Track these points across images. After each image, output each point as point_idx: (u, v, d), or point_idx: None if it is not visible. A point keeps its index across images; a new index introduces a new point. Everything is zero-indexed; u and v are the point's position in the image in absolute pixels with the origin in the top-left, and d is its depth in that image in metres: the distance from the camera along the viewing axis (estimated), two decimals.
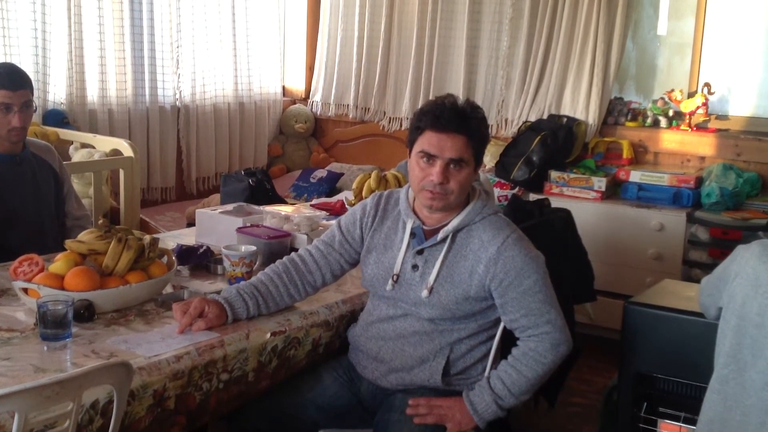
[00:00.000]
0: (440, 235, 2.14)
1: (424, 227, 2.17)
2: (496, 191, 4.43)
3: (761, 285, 1.88)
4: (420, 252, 2.16)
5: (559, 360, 2.12)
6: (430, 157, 2.07)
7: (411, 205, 2.20)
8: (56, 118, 4.34)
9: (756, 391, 1.87)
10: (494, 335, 2.19)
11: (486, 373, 2.17)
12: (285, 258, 2.30)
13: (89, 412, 1.65)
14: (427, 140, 2.07)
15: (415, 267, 2.15)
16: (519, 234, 2.14)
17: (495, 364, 2.19)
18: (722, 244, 3.88)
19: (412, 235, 2.18)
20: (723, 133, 4.40)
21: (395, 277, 2.16)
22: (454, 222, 2.13)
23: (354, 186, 3.37)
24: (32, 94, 2.70)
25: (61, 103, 4.47)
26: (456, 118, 2.06)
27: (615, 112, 4.68)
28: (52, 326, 1.88)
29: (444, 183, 2.06)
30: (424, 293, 2.11)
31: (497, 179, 4.52)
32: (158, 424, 1.83)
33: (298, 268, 2.26)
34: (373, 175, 3.32)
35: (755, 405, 1.87)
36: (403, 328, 2.16)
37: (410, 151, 2.14)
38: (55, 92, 4.46)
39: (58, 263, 2.11)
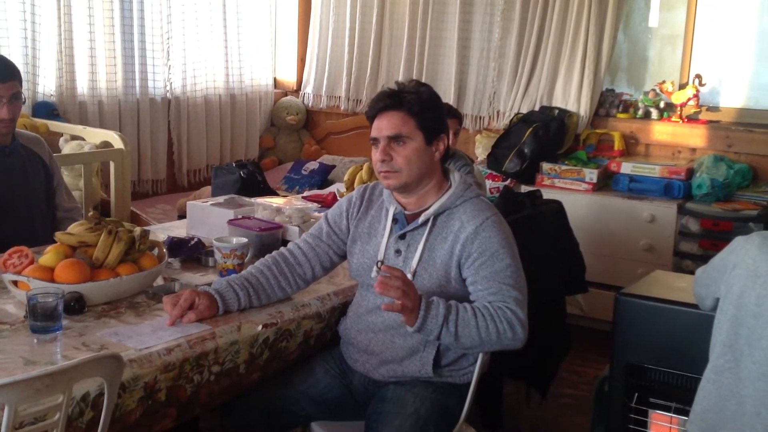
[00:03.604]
0: (421, 219, 2.15)
1: (406, 212, 2.19)
2: (488, 183, 4.43)
3: (760, 275, 1.88)
4: (402, 237, 2.17)
5: (501, 343, 2.01)
6: (375, 142, 2.14)
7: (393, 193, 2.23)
8: (46, 110, 4.32)
9: (751, 381, 1.88)
10: None
11: (478, 364, 2.17)
12: (274, 252, 2.30)
13: (80, 405, 1.64)
14: (373, 127, 2.16)
15: (398, 252, 2.16)
16: (499, 218, 2.15)
17: (486, 355, 2.19)
18: (713, 236, 3.90)
19: (395, 220, 2.19)
20: (714, 124, 4.41)
21: (379, 264, 2.16)
22: (435, 205, 2.15)
23: (346, 178, 3.37)
24: (21, 86, 2.68)
25: (51, 94, 4.45)
26: (388, 97, 2.14)
27: (606, 103, 4.68)
28: (42, 319, 1.87)
29: (387, 160, 2.11)
30: (408, 277, 2.11)
31: (489, 171, 4.52)
32: (149, 417, 1.82)
33: (287, 261, 2.26)
34: (365, 166, 3.32)
35: (751, 395, 1.88)
36: (391, 319, 2.16)
37: None
38: (45, 84, 4.43)
39: (48, 255, 2.10)
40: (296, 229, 2.66)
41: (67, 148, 3.99)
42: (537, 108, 4.70)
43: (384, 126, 2.12)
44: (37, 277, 2.03)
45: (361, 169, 3.33)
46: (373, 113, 2.16)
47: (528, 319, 2.06)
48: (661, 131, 4.50)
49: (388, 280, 1.92)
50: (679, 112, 4.45)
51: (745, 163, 4.20)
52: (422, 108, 2.13)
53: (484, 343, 2.02)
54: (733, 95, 4.54)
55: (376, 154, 2.15)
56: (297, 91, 5.92)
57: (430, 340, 2.05)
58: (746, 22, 4.51)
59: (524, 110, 4.76)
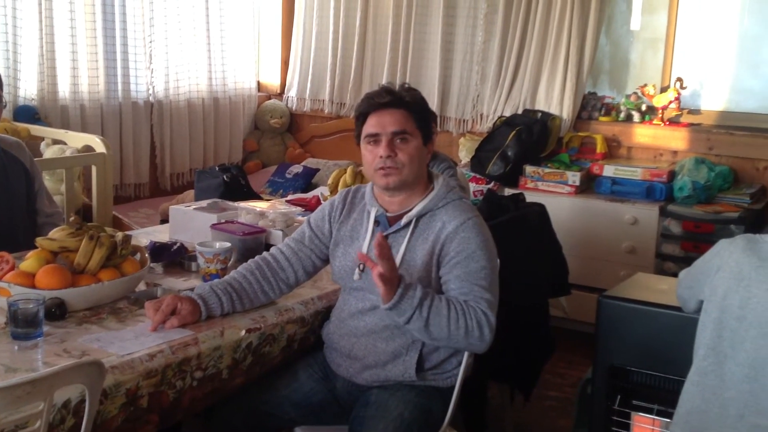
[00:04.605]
0: (404, 221, 2.15)
1: (388, 214, 2.19)
2: (472, 186, 4.45)
3: (744, 278, 1.90)
4: (384, 238, 2.16)
5: (468, 341, 2.02)
6: (375, 138, 2.13)
7: (375, 195, 2.23)
8: (27, 114, 4.28)
9: (735, 384, 1.89)
10: None
11: (462, 367, 2.17)
12: (257, 257, 2.29)
13: (61, 412, 1.63)
14: (369, 124, 2.15)
15: None
16: (480, 220, 2.16)
17: (470, 357, 2.20)
18: (694, 238, 3.92)
19: (377, 223, 2.19)
20: (695, 127, 4.44)
21: (361, 266, 2.16)
22: (418, 207, 2.15)
23: (330, 181, 3.37)
24: (2, 90, 2.66)
25: (32, 98, 4.42)
26: (389, 95, 2.15)
27: (589, 106, 4.71)
28: (23, 325, 1.86)
29: (392, 156, 2.11)
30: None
31: (473, 174, 4.53)
32: (131, 423, 1.81)
33: (270, 266, 2.25)
34: (349, 170, 3.32)
35: (734, 398, 1.89)
36: (373, 323, 2.16)
37: (360, 146, 2.19)
38: (26, 88, 4.40)
39: (29, 261, 2.09)
40: (280, 233, 2.65)
41: (49, 152, 3.96)
42: (520, 111, 4.72)
43: (387, 122, 2.12)
44: (18, 283, 2.01)
45: (345, 172, 3.33)
46: (371, 109, 2.15)
47: (509, 322, 2.07)
48: (642, 134, 4.53)
49: (384, 248, 1.92)
50: (660, 115, 4.48)
51: (726, 166, 4.23)
52: (419, 108, 2.17)
53: (451, 336, 2.02)
54: (714, 98, 4.58)
55: (374, 151, 2.13)
56: (281, 94, 5.91)
57: (400, 322, 2.03)
58: (727, 26, 4.54)
59: (507, 113, 4.77)
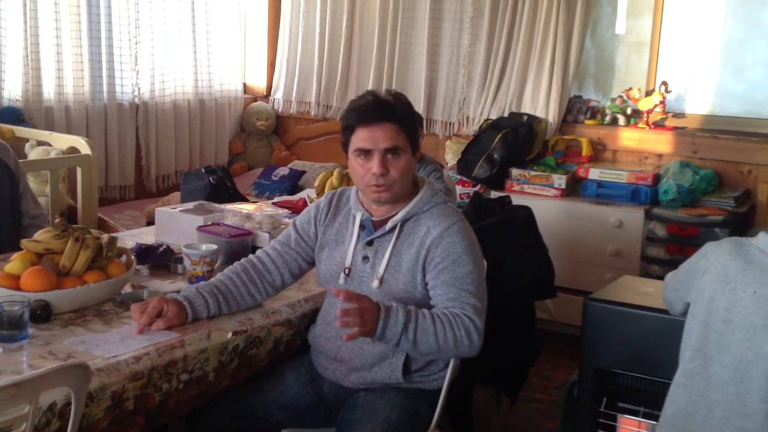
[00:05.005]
0: (389, 225, 2.15)
1: (373, 219, 2.19)
2: (458, 189, 4.45)
3: (730, 281, 1.91)
4: (370, 243, 2.17)
5: (458, 350, 2.03)
6: (366, 153, 2.11)
7: (360, 199, 2.22)
8: (11, 115, 4.26)
9: (721, 386, 1.90)
10: None
11: (449, 369, 2.18)
12: (243, 259, 2.29)
13: (46, 415, 1.62)
14: (360, 137, 2.11)
15: (365, 258, 2.16)
16: (466, 224, 2.16)
17: (457, 360, 2.20)
18: (679, 241, 3.95)
19: (362, 227, 2.19)
20: (680, 131, 4.47)
21: (347, 270, 2.17)
22: (402, 212, 2.15)
23: (316, 184, 3.36)
24: None
25: (17, 99, 4.39)
26: (381, 109, 2.11)
27: (574, 110, 4.72)
28: (7, 327, 1.85)
29: (385, 173, 2.10)
30: (375, 284, 2.12)
31: (459, 177, 4.54)
32: (117, 426, 1.80)
33: (256, 268, 2.25)
34: (336, 172, 3.31)
35: (720, 400, 1.90)
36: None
37: (347, 155, 2.18)
38: (10, 89, 4.38)
39: (14, 263, 2.07)
40: (266, 235, 2.65)
41: (33, 153, 3.94)
42: (506, 114, 4.73)
43: (380, 137, 2.10)
44: (3, 285, 2.00)
45: (332, 174, 3.32)
46: (362, 123, 2.12)
47: (495, 325, 2.07)
48: (628, 137, 4.55)
49: (347, 314, 1.91)
50: (645, 119, 4.51)
51: (710, 169, 4.26)
52: (410, 120, 2.16)
53: (441, 350, 2.03)
54: (698, 102, 4.61)
55: (365, 165, 2.11)
56: (267, 96, 5.90)
57: (389, 346, 2.05)
58: (711, 30, 4.58)
59: (493, 116, 4.78)
